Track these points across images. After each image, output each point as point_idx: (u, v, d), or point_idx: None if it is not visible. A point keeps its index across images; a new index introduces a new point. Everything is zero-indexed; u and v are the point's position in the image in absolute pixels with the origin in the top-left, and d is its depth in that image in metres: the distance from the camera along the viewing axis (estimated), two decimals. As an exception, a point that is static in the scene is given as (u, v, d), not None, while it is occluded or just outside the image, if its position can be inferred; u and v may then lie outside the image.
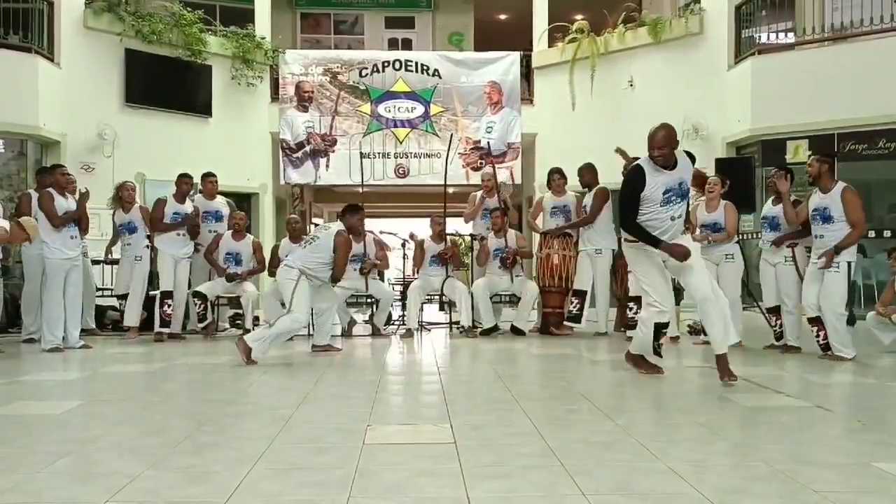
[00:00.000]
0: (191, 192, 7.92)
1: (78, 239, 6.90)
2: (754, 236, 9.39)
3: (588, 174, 7.83)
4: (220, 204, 8.35)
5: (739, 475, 2.78)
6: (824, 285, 5.83)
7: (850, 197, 5.74)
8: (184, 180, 7.80)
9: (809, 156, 6.68)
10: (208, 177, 8.32)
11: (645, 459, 2.99)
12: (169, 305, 7.51)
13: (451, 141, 10.84)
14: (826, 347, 5.96)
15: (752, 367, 5.60)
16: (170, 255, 7.57)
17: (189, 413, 4.00)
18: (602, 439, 3.33)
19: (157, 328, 7.49)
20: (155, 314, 7.51)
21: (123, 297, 7.75)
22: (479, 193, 8.63)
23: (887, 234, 9.88)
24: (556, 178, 8.04)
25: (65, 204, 6.79)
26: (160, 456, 3.07)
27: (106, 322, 8.54)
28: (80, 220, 6.90)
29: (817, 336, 6.02)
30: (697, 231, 6.97)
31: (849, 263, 5.79)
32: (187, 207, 7.74)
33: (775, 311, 6.59)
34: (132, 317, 7.62)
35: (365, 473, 2.81)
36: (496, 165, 11.85)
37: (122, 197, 7.69)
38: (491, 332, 7.90)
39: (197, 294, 7.71)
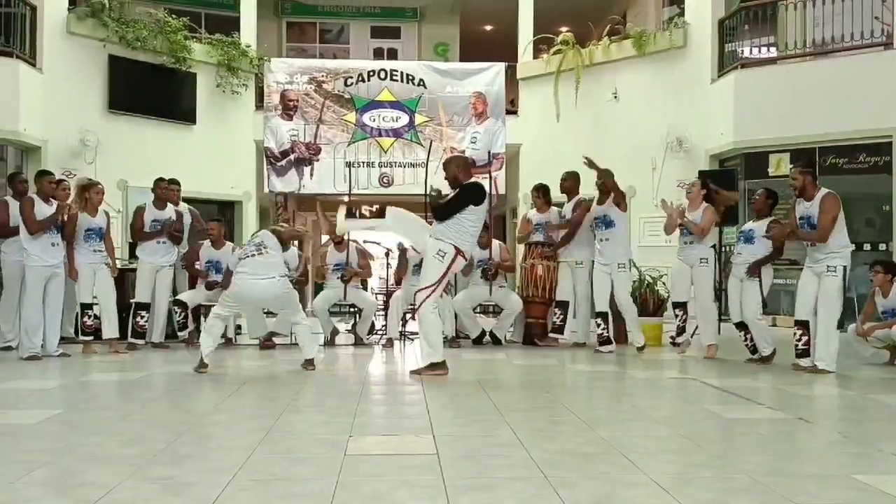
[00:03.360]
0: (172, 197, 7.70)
1: (60, 247, 6.77)
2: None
3: (569, 181, 7.85)
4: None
5: (721, 487, 2.78)
6: (820, 290, 5.90)
7: (827, 202, 5.84)
8: (160, 185, 7.66)
9: (791, 168, 6.78)
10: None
11: (627, 471, 2.99)
12: (143, 317, 7.41)
13: (429, 148, 10.78)
14: (805, 354, 5.98)
15: (732, 379, 5.62)
16: (149, 265, 7.47)
17: (168, 423, 3.95)
18: (585, 451, 3.32)
19: (129, 338, 7.40)
20: (129, 324, 7.42)
21: (90, 305, 7.10)
22: None
23: (867, 247, 9.96)
24: (534, 195, 8.09)
25: (48, 212, 6.67)
26: (137, 466, 3.02)
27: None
28: (63, 227, 6.80)
29: (798, 341, 6.06)
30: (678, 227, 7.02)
31: (845, 268, 5.90)
32: (167, 213, 7.62)
33: (742, 326, 6.65)
34: (111, 329, 7.12)
35: (346, 485, 2.78)
36: (480, 176, 11.88)
37: (89, 199, 7.03)
38: (481, 339, 7.96)
39: (177, 302, 7.63)
